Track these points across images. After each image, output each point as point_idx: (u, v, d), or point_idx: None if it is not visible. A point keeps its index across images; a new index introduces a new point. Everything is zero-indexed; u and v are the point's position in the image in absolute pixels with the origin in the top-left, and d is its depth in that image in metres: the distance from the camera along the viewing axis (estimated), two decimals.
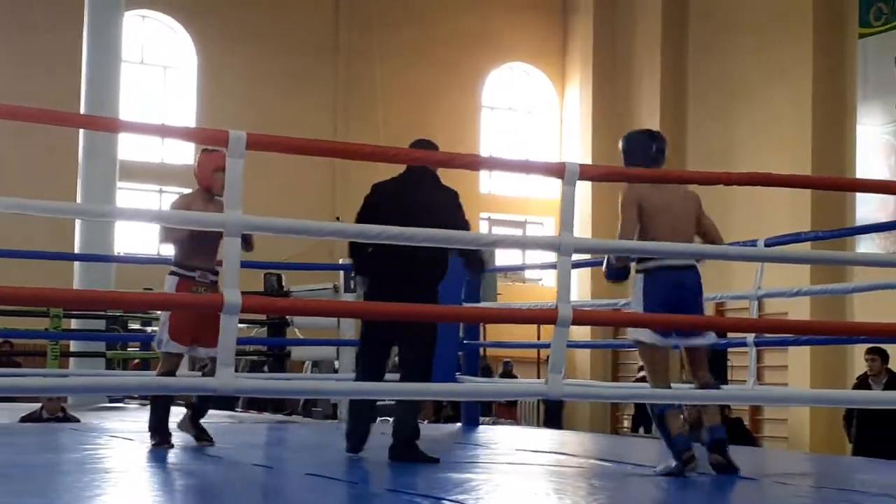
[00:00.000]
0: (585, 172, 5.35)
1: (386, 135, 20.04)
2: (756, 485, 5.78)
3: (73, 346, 13.24)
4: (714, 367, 13.20)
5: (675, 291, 5.64)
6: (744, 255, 6.82)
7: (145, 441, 6.52)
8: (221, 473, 5.54)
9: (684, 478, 5.54)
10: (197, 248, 6.46)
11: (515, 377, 18.24)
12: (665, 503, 4.98)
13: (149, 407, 6.83)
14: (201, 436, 6.77)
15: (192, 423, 6.79)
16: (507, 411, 18.41)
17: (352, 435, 6.33)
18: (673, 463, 5.64)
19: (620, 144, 5.95)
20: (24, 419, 9.09)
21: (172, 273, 6.53)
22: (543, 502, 4.62)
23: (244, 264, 4.82)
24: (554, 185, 23.61)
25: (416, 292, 5.81)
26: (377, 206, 6.13)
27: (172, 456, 6.35)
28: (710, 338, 5.76)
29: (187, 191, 6.83)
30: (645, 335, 5.65)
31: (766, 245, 7.31)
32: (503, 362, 19.95)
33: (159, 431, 6.53)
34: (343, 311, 7.68)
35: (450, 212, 6.16)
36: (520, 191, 24.07)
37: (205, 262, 6.52)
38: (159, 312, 6.64)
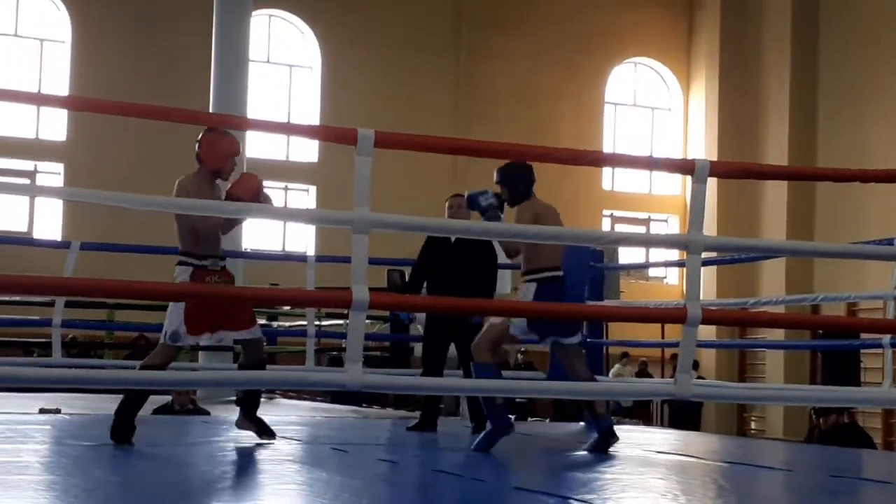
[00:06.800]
0: (715, 169, 5.29)
1: (508, 133, 19.98)
2: (890, 489, 5.62)
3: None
4: (846, 368, 12.81)
5: (559, 298, 6.33)
6: (879, 253, 6.65)
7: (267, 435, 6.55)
8: (346, 468, 5.59)
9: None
10: (207, 236, 6.09)
11: (650, 376, 18.11)
12: None
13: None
14: (262, 431, 6.40)
15: (250, 419, 6.42)
16: (636, 412, 18.28)
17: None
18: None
19: (498, 176, 6.57)
20: (156, 411, 9.34)
21: (183, 263, 6.09)
22: (671, 503, 4.55)
23: (371, 261, 4.87)
24: (677, 183, 23.31)
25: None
26: None
27: (292, 449, 6.42)
28: (579, 337, 6.69)
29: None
30: (519, 331, 6.33)
31: None
32: (639, 362, 19.79)
33: (123, 431, 5.99)
34: (469, 308, 7.68)
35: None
36: (643, 187, 23.82)
37: (214, 249, 6.15)
38: (170, 305, 6.05)
